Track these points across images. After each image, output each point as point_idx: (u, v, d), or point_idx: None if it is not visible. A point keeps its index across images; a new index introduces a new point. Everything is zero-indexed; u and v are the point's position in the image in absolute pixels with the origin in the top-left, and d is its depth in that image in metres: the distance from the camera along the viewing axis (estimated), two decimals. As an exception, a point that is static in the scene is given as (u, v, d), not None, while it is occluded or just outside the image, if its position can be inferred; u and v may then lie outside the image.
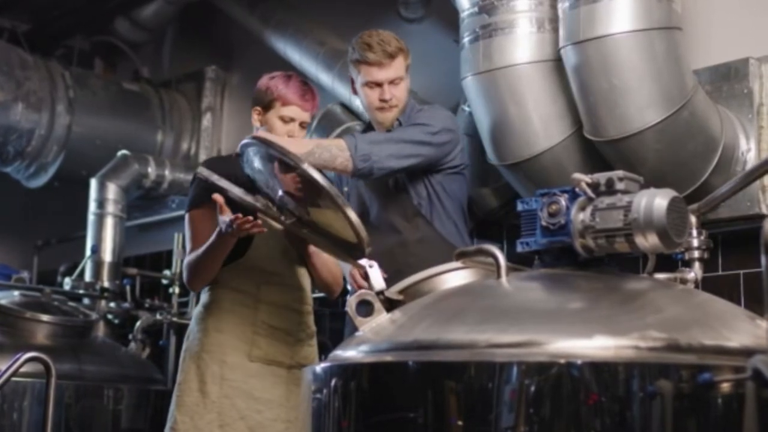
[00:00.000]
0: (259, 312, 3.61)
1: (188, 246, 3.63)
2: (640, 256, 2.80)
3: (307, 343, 3.74)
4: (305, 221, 3.20)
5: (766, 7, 3.94)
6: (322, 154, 3.61)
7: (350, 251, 3.09)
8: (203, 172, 3.25)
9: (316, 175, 2.98)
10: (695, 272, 2.90)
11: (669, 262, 2.91)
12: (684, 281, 2.87)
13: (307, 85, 3.75)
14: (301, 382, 3.45)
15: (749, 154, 3.75)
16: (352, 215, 2.94)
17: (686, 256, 2.91)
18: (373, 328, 2.54)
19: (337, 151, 3.65)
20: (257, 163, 3.22)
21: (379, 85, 3.86)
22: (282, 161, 3.11)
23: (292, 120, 3.66)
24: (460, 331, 2.27)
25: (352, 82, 3.97)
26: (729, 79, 3.82)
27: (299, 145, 3.57)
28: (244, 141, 3.23)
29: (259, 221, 3.29)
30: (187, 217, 3.67)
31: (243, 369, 3.58)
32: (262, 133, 3.46)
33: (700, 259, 2.91)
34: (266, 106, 3.69)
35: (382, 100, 3.86)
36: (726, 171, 3.70)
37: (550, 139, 3.83)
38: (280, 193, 3.20)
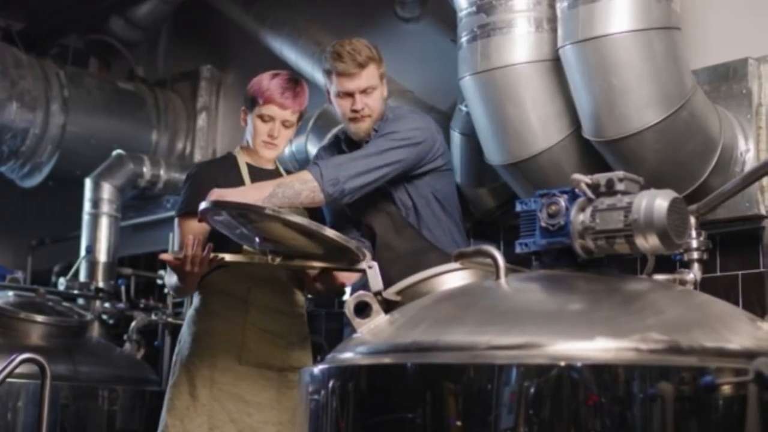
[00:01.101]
0: (249, 315, 3.59)
1: None
2: (638, 257, 2.78)
3: (300, 347, 3.72)
4: (292, 254, 3.17)
5: (765, 6, 3.93)
6: (285, 192, 3.54)
7: (346, 260, 3.08)
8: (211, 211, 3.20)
9: (284, 216, 2.97)
10: (694, 273, 2.89)
11: (666, 262, 2.90)
12: (683, 282, 2.86)
13: (292, 83, 3.71)
14: (297, 383, 3.48)
15: (748, 154, 3.74)
16: (331, 233, 2.95)
17: (685, 257, 2.90)
18: (372, 329, 2.53)
19: (299, 185, 3.57)
20: (224, 219, 3.19)
21: (350, 95, 3.78)
22: (244, 214, 3.10)
23: (271, 119, 3.63)
24: (460, 333, 2.25)
25: (328, 93, 3.90)
26: (728, 80, 3.80)
27: (259, 189, 3.52)
28: (201, 207, 3.21)
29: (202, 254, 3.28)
30: (176, 222, 3.65)
31: (233, 372, 3.56)
32: (216, 193, 3.41)
33: (699, 260, 2.90)
34: (250, 106, 3.67)
35: (354, 110, 3.78)
36: (725, 172, 3.68)
37: (548, 139, 3.81)
38: (258, 240, 3.19)
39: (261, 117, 3.63)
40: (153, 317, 5.64)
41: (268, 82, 3.66)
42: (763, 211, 3.70)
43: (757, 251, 3.81)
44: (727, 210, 3.64)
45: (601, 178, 2.48)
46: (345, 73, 3.75)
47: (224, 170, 3.62)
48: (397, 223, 3.85)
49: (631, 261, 3.38)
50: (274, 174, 3.74)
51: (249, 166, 3.70)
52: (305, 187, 3.57)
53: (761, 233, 3.79)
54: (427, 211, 3.87)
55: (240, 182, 3.61)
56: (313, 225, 2.94)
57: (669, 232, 2.36)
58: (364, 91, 3.77)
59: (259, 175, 3.67)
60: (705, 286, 2.90)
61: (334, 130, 4.93)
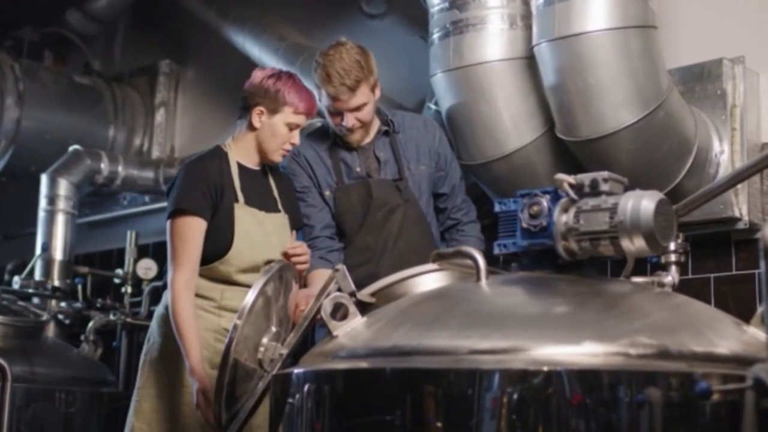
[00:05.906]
0: (221, 319, 3.48)
1: (174, 257, 3.39)
2: (609, 260, 2.72)
3: None
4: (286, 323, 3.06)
5: (739, 7, 3.91)
6: None
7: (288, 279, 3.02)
8: None
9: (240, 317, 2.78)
10: (672, 276, 2.84)
11: (639, 265, 2.84)
12: (661, 285, 2.82)
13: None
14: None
15: (722, 156, 3.71)
16: (254, 290, 2.77)
17: (663, 260, 2.85)
18: (349, 332, 2.44)
19: None
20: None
21: (340, 113, 3.67)
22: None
23: (297, 127, 3.53)
24: (442, 337, 2.18)
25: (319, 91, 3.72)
26: (702, 80, 3.78)
27: None
28: None
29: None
30: (178, 222, 3.42)
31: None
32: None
33: (677, 263, 2.85)
34: (272, 109, 3.49)
35: (345, 127, 3.68)
36: (699, 173, 3.66)
37: (520, 138, 3.77)
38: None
39: (289, 125, 3.51)
40: (111, 317, 5.52)
41: (297, 91, 3.49)
42: (736, 214, 3.67)
43: (730, 253, 3.79)
44: (701, 212, 3.58)
45: (585, 178, 2.43)
46: (335, 97, 3.62)
47: (218, 167, 3.50)
48: (420, 218, 3.78)
49: (603, 263, 3.34)
50: (261, 175, 3.61)
51: (239, 165, 3.56)
52: None
53: (734, 235, 3.77)
54: (431, 211, 3.84)
55: (230, 181, 3.49)
56: (245, 309, 2.77)
57: (655, 234, 2.31)
58: (355, 109, 3.65)
59: (248, 174, 3.55)
60: (677, 288, 2.86)
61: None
